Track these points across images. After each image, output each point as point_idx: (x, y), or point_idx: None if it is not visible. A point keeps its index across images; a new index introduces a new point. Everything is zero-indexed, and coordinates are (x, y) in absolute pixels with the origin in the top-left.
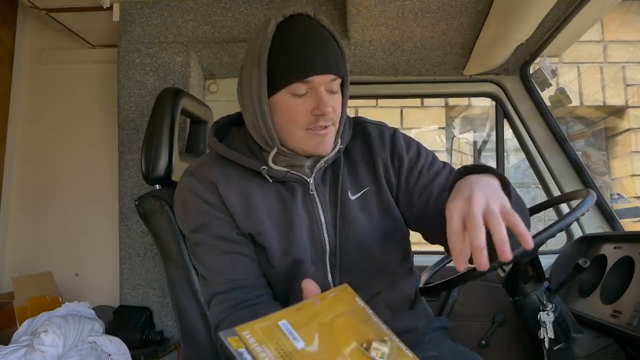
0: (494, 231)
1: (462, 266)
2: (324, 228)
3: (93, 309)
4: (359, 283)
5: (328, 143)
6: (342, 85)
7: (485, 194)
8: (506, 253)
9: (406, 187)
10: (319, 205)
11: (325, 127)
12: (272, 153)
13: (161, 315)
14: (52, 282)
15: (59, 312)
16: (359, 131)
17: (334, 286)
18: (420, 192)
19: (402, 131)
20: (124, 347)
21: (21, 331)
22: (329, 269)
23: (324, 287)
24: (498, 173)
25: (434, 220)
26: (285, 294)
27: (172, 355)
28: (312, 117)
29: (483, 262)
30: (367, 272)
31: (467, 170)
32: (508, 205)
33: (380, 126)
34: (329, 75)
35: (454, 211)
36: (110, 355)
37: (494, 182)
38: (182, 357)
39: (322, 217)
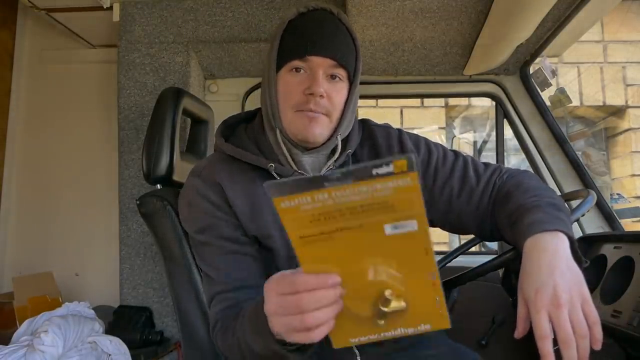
0: (577, 346)
1: None
2: None
3: (93, 309)
4: None
5: (317, 128)
6: (351, 86)
7: (569, 288)
8: None
9: (425, 187)
10: None
11: (316, 113)
12: (277, 135)
13: (161, 315)
14: (52, 282)
15: (59, 312)
16: (366, 135)
17: None
18: (441, 189)
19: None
20: (124, 347)
21: (21, 331)
22: None
23: None
24: (560, 219)
25: (459, 215)
26: None
27: (172, 355)
28: (303, 97)
29: None
30: None
31: (520, 207)
32: (589, 298)
33: (386, 129)
34: (328, 59)
35: (541, 312)
36: (110, 355)
37: (569, 253)
38: (182, 357)
39: None
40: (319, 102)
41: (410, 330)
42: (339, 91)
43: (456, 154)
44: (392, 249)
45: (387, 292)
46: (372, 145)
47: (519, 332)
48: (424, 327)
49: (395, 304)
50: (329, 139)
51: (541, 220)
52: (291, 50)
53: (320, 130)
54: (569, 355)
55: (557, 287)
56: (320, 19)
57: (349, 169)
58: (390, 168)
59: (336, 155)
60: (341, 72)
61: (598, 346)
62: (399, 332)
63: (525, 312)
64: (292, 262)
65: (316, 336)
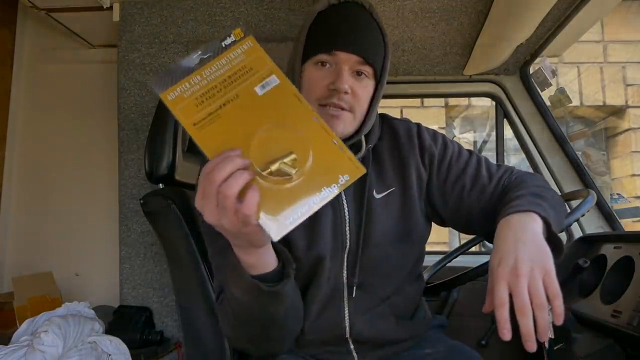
0: (536, 318)
1: (508, 335)
2: (347, 224)
3: (93, 309)
4: (373, 284)
5: (340, 125)
6: (377, 83)
7: (531, 260)
8: (530, 346)
9: (438, 181)
10: (344, 200)
11: (341, 108)
12: None
13: (161, 315)
14: (52, 282)
15: (59, 312)
16: (386, 129)
17: (348, 285)
18: (453, 184)
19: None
20: (124, 347)
21: (21, 331)
22: (345, 266)
23: (338, 285)
24: (538, 203)
25: (469, 212)
26: (302, 289)
27: (172, 355)
28: (327, 92)
29: (533, 348)
30: (382, 273)
31: (509, 199)
32: (551, 271)
33: (406, 123)
34: (355, 55)
35: (501, 282)
36: (110, 355)
37: (538, 230)
38: (182, 357)
39: (346, 212)
40: (343, 97)
41: (334, 188)
42: (364, 88)
43: (470, 152)
44: (271, 106)
45: (292, 156)
46: (392, 138)
47: (487, 306)
48: (344, 179)
49: (303, 162)
50: (351, 136)
51: (517, 205)
52: (318, 44)
53: (343, 127)
54: (524, 323)
55: (519, 258)
56: (350, 12)
57: (205, 47)
58: (232, 38)
59: (361, 152)
60: (367, 69)
61: (559, 321)
62: (325, 193)
63: (492, 284)
64: (310, 254)
65: (247, 208)
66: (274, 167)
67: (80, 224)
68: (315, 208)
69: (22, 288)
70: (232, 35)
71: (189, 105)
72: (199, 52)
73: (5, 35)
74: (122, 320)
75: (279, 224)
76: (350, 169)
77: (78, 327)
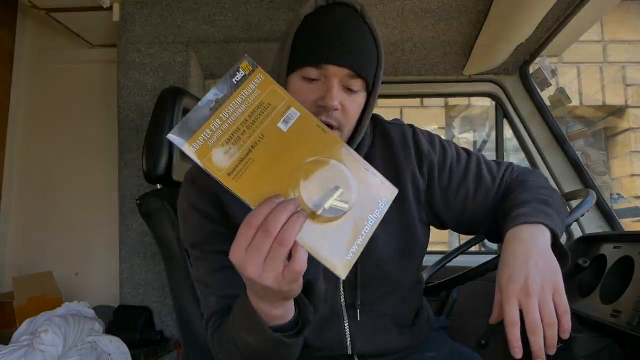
0: (545, 335)
1: (519, 354)
2: None
3: (93, 309)
4: (373, 301)
5: None
6: (370, 95)
7: (541, 278)
8: None
9: (440, 188)
10: None
11: (330, 126)
12: None
13: (161, 315)
14: (52, 282)
15: (59, 312)
16: (379, 134)
17: (346, 306)
18: (456, 191)
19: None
20: (124, 347)
21: (21, 331)
22: (341, 287)
23: (335, 306)
24: (547, 213)
25: (474, 216)
26: None
27: (172, 355)
28: (315, 108)
29: None
30: (382, 291)
31: (514, 203)
32: (561, 288)
33: (401, 127)
34: (344, 69)
35: (511, 300)
36: (110, 355)
37: (547, 244)
38: (182, 357)
39: None
40: (332, 114)
41: (378, 214)
42: (355, 102)
43: (468, 152)
44: (299, 142)
45: (339, 191)
46: (385, 145)
47: (494, 318)
48: (384, 203)
49: (347, 195)
50: None
51: (525, 214)
52: (306, 55)
53: None
54: (535, 342)
55: (529, 276)
56: (341, 18)
57: (217, 87)
58: (242, 72)
59: None
60: (359, 83)
61: (566, 335)
62: (372, 221)
63: (500, 298)
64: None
65: (298, 264)
66: (327, 206)
67: (80, 224)
68: (368, 237)
69: (22, 288)
70: (240, 69)
71: (217, 154)
72: (213, 94)
73: (5, 35)
74: (122, 320)
75: (343, 262)
76: (385, 192)
77: (78, 327)
